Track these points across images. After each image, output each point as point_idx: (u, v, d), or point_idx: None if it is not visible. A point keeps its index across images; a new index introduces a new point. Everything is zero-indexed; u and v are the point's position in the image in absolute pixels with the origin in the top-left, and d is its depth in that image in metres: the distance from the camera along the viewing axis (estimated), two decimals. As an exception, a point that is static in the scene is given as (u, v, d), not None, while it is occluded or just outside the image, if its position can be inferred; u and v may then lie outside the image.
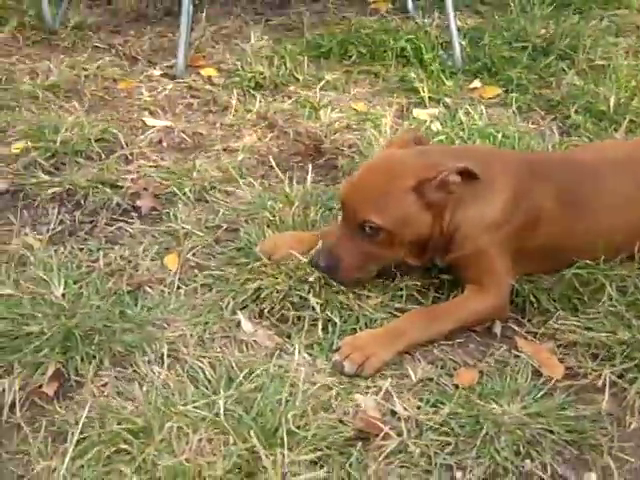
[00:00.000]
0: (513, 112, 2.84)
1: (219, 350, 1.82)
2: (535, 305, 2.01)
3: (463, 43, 3.23)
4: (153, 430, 1.55)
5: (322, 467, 1.53)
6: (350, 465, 1.55)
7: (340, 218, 1.98)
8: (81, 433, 1.58)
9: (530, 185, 1.97)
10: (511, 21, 3.41)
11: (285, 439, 1.52)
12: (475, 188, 1.90)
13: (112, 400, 1.65)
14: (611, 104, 2.79)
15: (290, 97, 2.90)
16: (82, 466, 1.52)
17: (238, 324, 1.90)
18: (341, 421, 1.64)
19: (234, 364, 1.75)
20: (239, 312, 1.92)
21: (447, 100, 2.89)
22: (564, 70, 3.10)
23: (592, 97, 2.87)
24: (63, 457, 1.52)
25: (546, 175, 2.01)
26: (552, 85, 3.04)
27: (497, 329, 1.96)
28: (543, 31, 3.34)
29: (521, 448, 1.64)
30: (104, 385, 1.71)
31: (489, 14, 3.59)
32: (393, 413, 1.70)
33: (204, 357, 1.78)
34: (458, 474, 1.60)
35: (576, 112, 2.81)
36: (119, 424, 1.58)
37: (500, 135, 2.62)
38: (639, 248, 2.06)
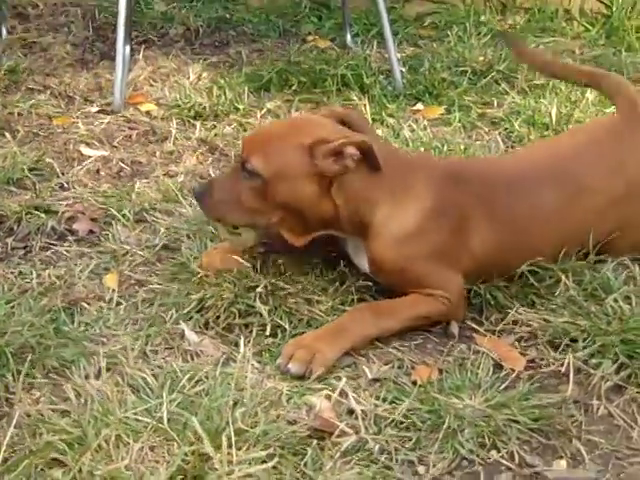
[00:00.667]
0: (457, 129, 2.81)
1: (162, 361, 1.71)
2: (492, 303, 1.94)
3: (403, 70, 3.22)
4: (89, 439, 1.43)
5: (275, 468, 1.42)
6: (305, 464, 1.44)
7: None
8: (11, 448, 1.44)
9: (454, 194, 1.86)
10: (449, 49, 3.42)
11: (233, 438, 1.41)
12: (393, 190, 1.82)
13: (45, 414, 1.52)
14: (553, 116, 2.79)
15: (230, 125, 2.84)
16: (11, 481, 1.38)
17: (182, 335, 1.80)
18: (294, 421, 1.54)
19: (178, 371, 1.64)
20: (182, 323, 1.81)
21: (390, 121, 2.86)
22: (505, 91, 3.10)
23: (534, 112, 2.87)
24: (-9, 474, 1.39)
25: (473, 184, 1.90)
26: (494, 104, 3.03)
27: (454, 329, 1.88)
28: (481, 58, 3.35)
29: (486, 440, 1.55)
30: (37, 400, 1.58)
31: (427, 46, 3.60)
32: (350, 412, 1.60)
33: (146, 368, 1.67)
34: (421, 469, 1.50)
35: (520, 126, 2.80)
36: (52, 435, 1.45)
37: (445, 148, 2.59)
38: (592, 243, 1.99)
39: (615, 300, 1.84)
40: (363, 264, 1.90)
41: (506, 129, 2.83)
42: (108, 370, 1.67)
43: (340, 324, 1.76)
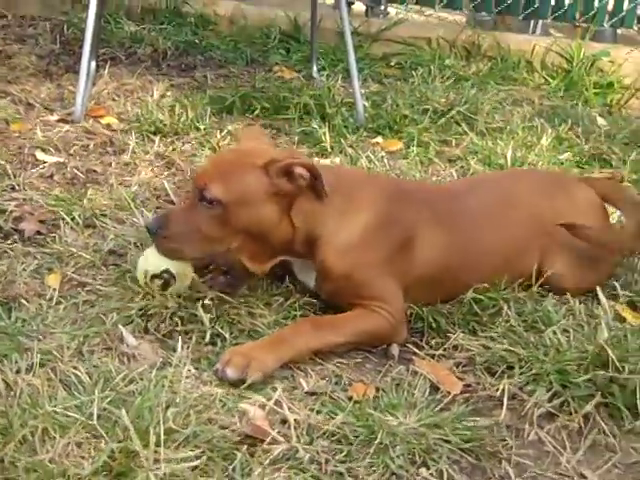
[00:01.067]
0: (414, 163, 2.85)
1: (98, 361, 1.69)
2: (434, 328, 1.95)
3: (366, 104, 3.26)
4: (14, 429, 1.40)
5: (202, 469, 1.40)
6: (233, 469, 1.43)
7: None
8: None
9: (399, 210, 1.92)
10: (413, 89, 3.48)
11: (162, 437, 1.39)
12: (341, 206, 1.86)
13: (-29, 403, 1.49)
14: (508, 158, 2.84)
15: (190, 142, 2.85)
16: None
17: (121, 338, 1.78)
18: (226, 427, 1.52)
19: (113, 371, 1.62)
20: (121, 326, 1.79)
21: (349, 150, 2.89)
22: (465, 131, 3.15)
23: (490, 152, 2.92)
24: None
25: (418, 202, 1.96)
26: (452, 143, 3.08)
27: (395, 351, 1.88)
28: (443, 100, 3.41)
29: (417, 457, 1.55)
30: (-36, 391, 1.55)
31: (392, 84, 3.66)
32: (283, 422, 1.59)
33: (81, 366, 1.64)
34: (350, 481, 1.49)
35: (475, 164, 2.85)
36: (-24, 423, 1.42)
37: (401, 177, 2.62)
38: (536, 274, 2.03)
39: (554, 332, 1.86)
40: (309, 280, 1.92)
41: (462, 167, 2.87)
42: (42, 366, 1.64)
43: (281, 335, 1.76)
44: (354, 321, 1.84)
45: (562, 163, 2.90)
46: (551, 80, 3.87)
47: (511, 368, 1.79)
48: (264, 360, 1.67)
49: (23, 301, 1.86)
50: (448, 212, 1.97)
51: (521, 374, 1.75)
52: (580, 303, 2.00)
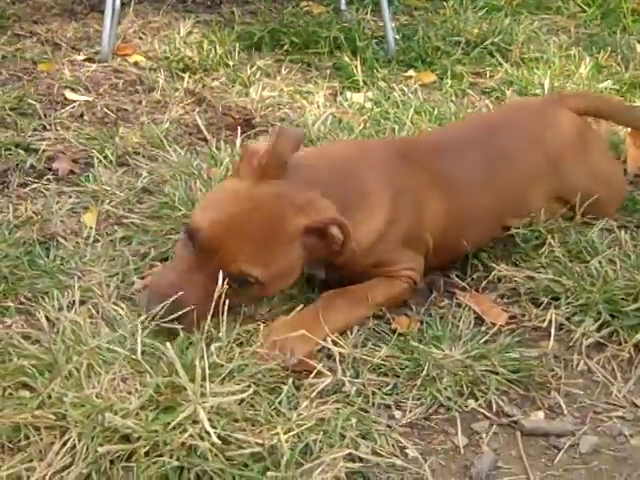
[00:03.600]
0: (448, 95, 2.78)
1: (138, 297, 1.67)
2: (476, 262, 1.91)
3: (397, 37, 3.19)
4: (59, 366, 1.39)
5: (249, 403, 1.39)
6: (280, 402, 1.41)
7: (188, 251, 1.56)
8: (-22, 372, 1.40)
9: (404, 178, 1.76)
10: (444, 21, 3.39)
11: (207, 371, 1.37)
12: (350, 203, 1.65)
13: (16, 340, 1.48)
14: (546, 88, 2.77)
15: (219, 79, 2.79)
16: (-24, 403, 1.34)
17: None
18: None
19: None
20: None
21: (381, 84, 2.82)
22: (499, 62, 3.07)
23: (527, 83, 2.84)
24: (-44, 394, 1.35)
25: (417, 162, 1.81)
26: (486, 75, 3.01)
27: (439, 284, 1.85)
28: (476, 31, 3.32)
29: (464, 389, 1.53)
30: (8, 327, 1.54)
31: (422, 16, 3.57)
32: (328, 356, 1.57)
33: (121, 302, 1.63)
34: (397, 413, 1.48)
35: (511, 95, 2.78)
36: (23, 360, 1.41)
37: (436, 112, 2.56)
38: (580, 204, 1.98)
39: (599, 262, 1.82)
40: (318, 272, 1.76)
41: (497, 97, 2.80)
42: (82, 303, 1.63)
43: (311, 314, 1.62)
44: (381, 291, 1.72)
45: (602, 91, 2.81)
46: (587, 8, 3.75)
47: (557, 299, 1.75)
48: (292, 346, 1.52)
49: (61, 239, 1.84)
50: (443, 172, 1.83)
51: (568, 304, 1.72)
52: (625, 232, 1.95)
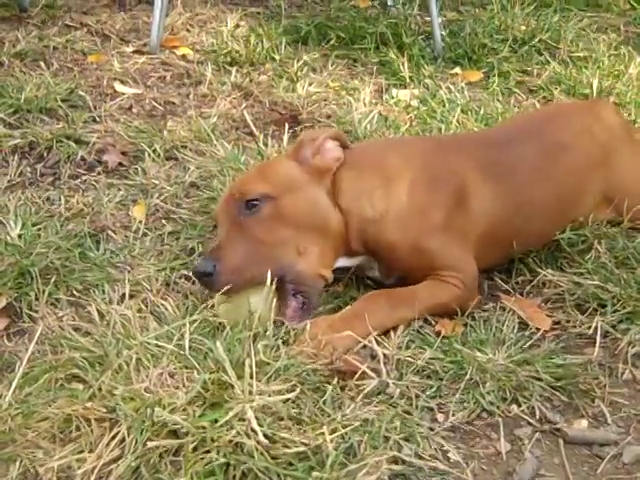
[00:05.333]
0: (495, 94, 2.77)
1: (186, 292, 1.69)
2: (521, 266, 1.91)
3: (443, 33, 3.17)
4: (110, 359, 1.42)
5: (294, 402, 1.40)
6: (324, 402, 1.42)
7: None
8: (32, 362, 1.44)
9: (441, 164, 1.78)
10: (492, 17, 3.37)
11: (254, 370, 1.39)
12: (377, 180, 1.73)
13: (68, 332, 1.51)
14: (594, 87, 2.74)
15: (266, 73, 2.81)
16: (30, 393, 1.37)
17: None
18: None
19: (200, 303, 1.62)
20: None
21: (427, 82, 2.82)
22: (547, 60, 3.05)
23: (575, 82, 2.82)
24: (10, 384, 1.38)
25: (461, 151, 1.83)
26: (534, 73, 2.99)
27: (484, 287, 1.85)
28: (524, 27, 3.30)
29: (507, 394, 1.52)
30: (60, 319, 1.58)
31: (469, 12, 3.55)
32: (372, 357, 1.58)
33: (169, 297, 1.65)
34: (440, 416, 1.48)
35: (559, 95, 2.76)
36: (74, 352, 1.44)
37: (482, 111, 2.55)
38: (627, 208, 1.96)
39: (647, 270, 1.81)
40: (372, 271, 1.80)
41: (544, 97, 2.78)
42: (131, 297, 1.66)
43: (355, 312, 1.62)
44: (427, 294, 1.71)
45: (652, 93, 2.78)
46: (637, 5, 3.70)
47: (603, 306, 1.74)
48: (336, 344, 1.55)
49: (110, 233, 1.88)
50: (495, 164, 1.83)
51: (614, 312, 1.71)
52: (674, 239, 1.93)
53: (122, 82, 2.68)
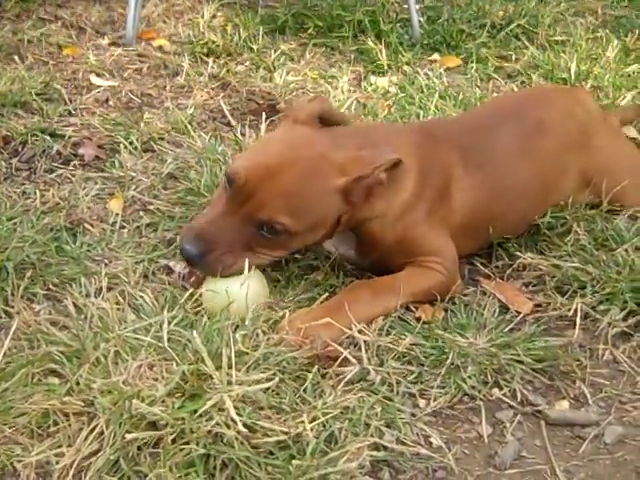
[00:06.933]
0: (473, 79, 2.76)
1: (165, 283, 1.68)
2: (501, 251, 1.90)
3: (421, 20, 3.16)
4: (87, 352, 1.41)
5: (274, 391, 1.39)
6: (305, 390, 1.42)
7: (226, 195, 1.59)
8: (8, 357, 1.42)
9: (432, 158, 1.75)
10: (469, 3, 3.36)
11: (233, 359, 1.38)
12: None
13: (44, 326, 1.50)
14: (572, 72, 2.74)
15: (243, 63, 2.79)
16: (7, 389, 1.36)
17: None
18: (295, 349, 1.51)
19: (179, 295, 1.61)
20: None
21: (406, 68, 2.81)
22: (525, 45, 3.04)
23: (553, 66, 2.82)
24: (-14, 381, 1.37)
25: (446, 139, 1.80)
26: (512, 59, 2.98)
27: (464, 272, 1.84)
28: (502, 13, 3.28)
29: (489, 377, 1.53)
30: (36, 313, 1.56)
31: (447, -1, 3.53)
32: (353, 345, 1.57)
33: (147, 289, 1.64)
34: (421, 402, 1.48)
35: (537, 80, 2.75)
36: (51, 346, 1.43)
37: (460, 96, 2.54)
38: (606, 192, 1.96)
39: (626, 251, 1.80)
40: (347, 250, 1.77)
41: (523, 82, 2.78)
42: (109, 290, 1.64)
43: (338, 303, 1.60)
44: (411, 282, 1.69)
45: (629, 75, 2.77)
46: (614, -11, 3.70)
47: (583, 287, 1.74)
48: (318, 333, 1.51)
49: (87, 226, 1.86)
50: (476, 150, 1.82)
51: (594, 293, 1.71)
52: (653, 220, 1.93)
53: (98, 75, 2.65)
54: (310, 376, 1.43)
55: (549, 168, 1.91)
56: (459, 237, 1.77)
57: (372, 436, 1.34)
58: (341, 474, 1.26)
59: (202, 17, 3.10)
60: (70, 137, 2.22)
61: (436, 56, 2.99)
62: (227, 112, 2.37)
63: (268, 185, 1.54)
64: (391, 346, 1.56)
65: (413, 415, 1.44)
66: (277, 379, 1.38)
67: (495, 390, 1.51)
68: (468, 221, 1.78)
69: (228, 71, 2.68)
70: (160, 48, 2.92)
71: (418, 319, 1.65)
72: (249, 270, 1.56)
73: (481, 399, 1.49)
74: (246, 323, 1.48)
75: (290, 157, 1.57)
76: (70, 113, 2.37)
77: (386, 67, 2.81)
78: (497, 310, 1.69)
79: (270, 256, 1.62)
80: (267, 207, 1.55)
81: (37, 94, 2.40)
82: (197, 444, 1.26)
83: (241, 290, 1.53)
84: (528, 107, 1.97)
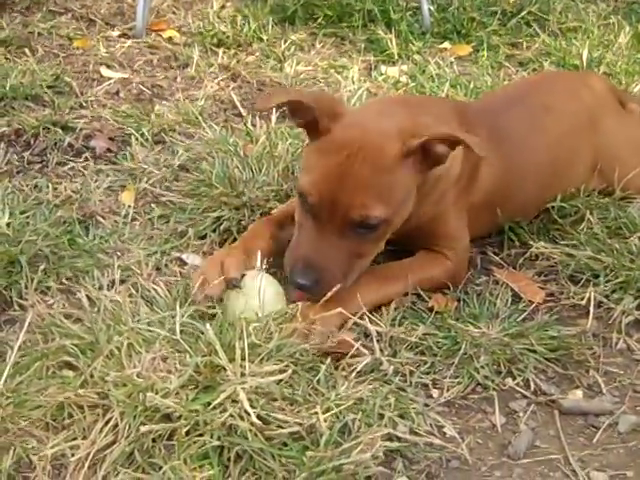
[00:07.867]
0: (484, 68, 2.75)
1: (177, 275, 1.68)
2: (514, 239, 1.90)
3: (432, 8, 3.14)
4: (101, 345, 1.41)
5: (287, 382, 1.39)
6: (318, 381, 1.42)
7: (309, 214, 1.56)
8: (22, 350, 1.43)
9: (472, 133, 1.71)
10: (480, -10, 3.34)
11: (246, 351, 1.38)
12: None
13: (58, 319, 1.50)
14: (584, 58, 2.72)
15: (253, 54, 2.79)
16: (22, 382, 1.37)
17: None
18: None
19: (192, 286, 1.60)
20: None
21: (416, 57, 2.80)
22: (536, 33, 3.03)
23: (565, 53, 2.80)
24: (1, 374, 1.37)
25: (476, 121, 1.80)
26: (523, 46, 2.97)
27: (476, 261, 1.84)
28: (512, 0, 3.27)
29: (502, 367, 1.53)
30: (50, 306, 1.57)
31: (457, -14, 3.51)
32: (366, 335, 1.57)
33: (160, 281, 1.64)
34: (435, 392, 1.48)
35: (549, 67, 2.74)
36: (65, 339, 1.43)
37: (472, 85, 2.53)
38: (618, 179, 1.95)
39: (639, 239, 1.80)
40: None
41: (534, 69, 2.76)
42: (122, 282, 1.65)
43: (348, 291, 1.58)
44: (418, 268, 1.70)
45: (642, 62, 2.76)
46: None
47: (596, 276, 1.73)
48: (327, 322, 1.52)
49: (99, 218, 1.87)
50: (496, 130, 1.82)
51: (607, 282, 1.70)
52: (666, 208, 1.92)
53: (108, 67, 2.66)
54: (323, 367, 1.43)
55: (559, 151, 1.91)
56: (474, 217, 1.78)
57: (385, 427, 1.34)
58: (355, 465, 1.26)
59: (211, 8, 3.10)
60: (81, 130, 2.22)
61: (447, 44, 2.98)
62: (238, 103, 2.37)
63: (343, 187, 1.51)
64: (404, 336, 1.55)
65: (426, 405, 1.44)
66: (290, 370, 1.38)
67: (508, 380, 1.51)
68: (485, 200, 1.78)
69: (238, 62, 2.68)
70: (170, 39, 2.92)
71: (431, 309, 1.65)
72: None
73: (494, 389, 1.48)
74: (258, 314, 1.48)
75: (347, 151, 1.52)
76: (81, 105, 2.38)
77: (396, 56, 2.80)
78: (510, 299, 1.69)
79: (373, 253, 1.61)
80: (355, 207, 1.51)
81: (48, 87, 2.41)
82: (211, 436, 1.26)
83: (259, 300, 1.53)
84: (537, 91, 1.99)
